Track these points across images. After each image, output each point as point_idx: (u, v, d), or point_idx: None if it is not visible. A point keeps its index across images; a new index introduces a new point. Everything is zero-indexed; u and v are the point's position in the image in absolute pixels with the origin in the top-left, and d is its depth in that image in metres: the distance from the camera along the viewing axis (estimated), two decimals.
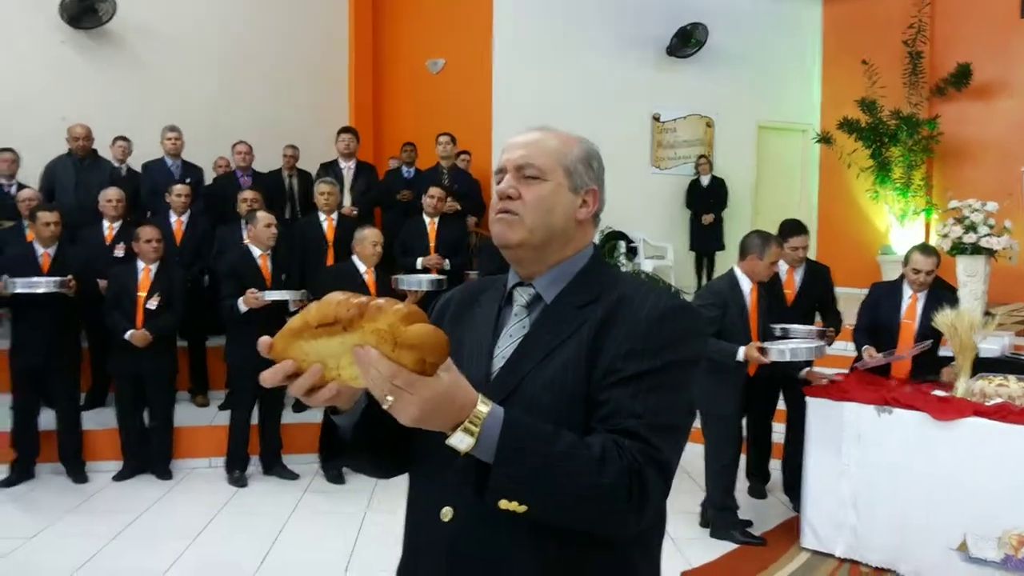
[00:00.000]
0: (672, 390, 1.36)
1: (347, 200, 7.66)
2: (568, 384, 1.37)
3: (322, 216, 6.79)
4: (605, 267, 1.53)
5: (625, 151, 9.91)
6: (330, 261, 6.63)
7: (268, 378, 1.20)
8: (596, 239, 1.59)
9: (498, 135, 9.63)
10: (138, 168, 7.79)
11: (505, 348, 1.46)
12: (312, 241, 6.71)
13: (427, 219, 6.99)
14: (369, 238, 5.77)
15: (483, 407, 1.22)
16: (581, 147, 1.52)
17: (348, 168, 7.83)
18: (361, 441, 1.42)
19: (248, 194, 6.79)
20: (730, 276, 4.81)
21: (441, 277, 6.04)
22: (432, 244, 6.92)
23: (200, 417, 6.60)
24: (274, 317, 5.72)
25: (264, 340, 1.20)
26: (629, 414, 1.32)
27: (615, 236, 9.33)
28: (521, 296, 1.51)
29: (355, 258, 5.81)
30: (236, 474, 5.85)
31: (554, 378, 1.38)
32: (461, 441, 1.22)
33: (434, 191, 7.00)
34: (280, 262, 5.95)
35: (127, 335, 5.73)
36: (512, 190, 1.46)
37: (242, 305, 5.59)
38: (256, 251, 5.84)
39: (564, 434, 1.27)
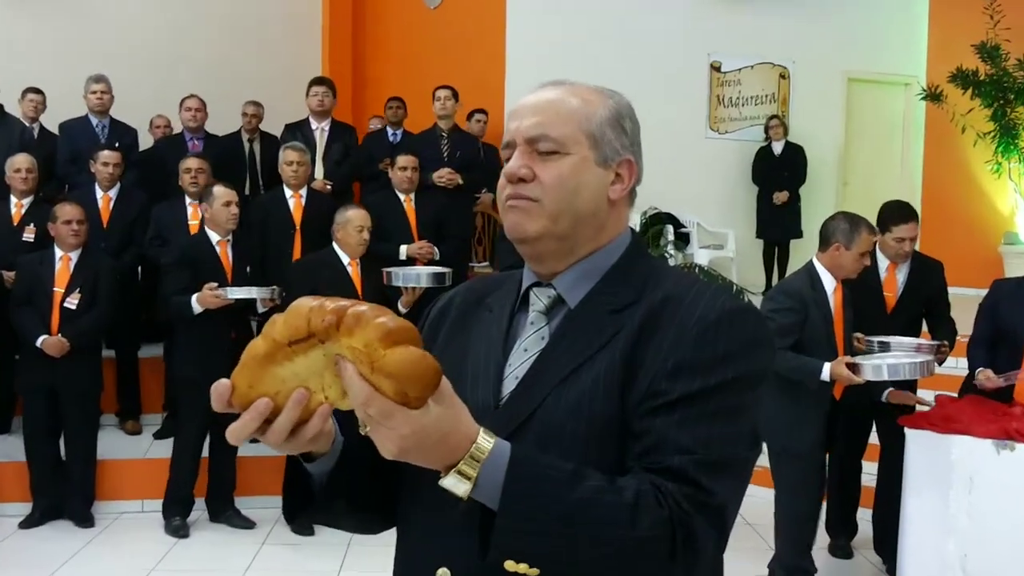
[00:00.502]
0: (730, 416, 1.36)
1: (319, 171, 7.72)
2: (598, 410, 1.38)
3: (288, 192, 6.84)
4: (646, 259, 1.55)
5: (675, 111, 9.90)
6: (296, 249, 6.68)
7: (238, 433, 1.21)
8: (635, 223, 1.57)
9: (513, 89, 9.65)
10: (54, 129, 7.85)
11: (519, 365, 1.48)
12: (275, 224, 6.75)
13: (400, 196, 7.04)
14: (354, 221, 5.80)
15: (485, 442, 1.24)
16: (608, 104, 1.53)
17: (321, 130, 7.90)
18: (339, 489, 1.44)
19: (192, 163, 6.87)
20: (808, 271, 4.77)
21: (445, 270, 6.06)
22: (413, 227, 6.97)
23: (131, 448, 6.65)
24: (236, 319, 5.75)
25: (221, 385, 1.21)
26: (675, 449, 1.33)
27: (661, 219, 9.33)
28: (539, 299, 1.53)
29: (336, 247, 5.85)
30: (176, 521, 5.88)
31: (580, 402, 1.39)
32: (455, 486, 1.23)
33: (404, 160, 7.06)
34: (242, 250, 6.00)
35: (39, 342, 5.78)
36: (524, 170, 1.47)
37: (197, 304, 5.64)
38: (214, 236, 5.88)
39: (588, 475, 1.28)
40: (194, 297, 5.61)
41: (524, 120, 1.50)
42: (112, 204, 6.96)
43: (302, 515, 1.48)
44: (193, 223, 6.67)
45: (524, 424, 1.40)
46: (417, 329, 1.19)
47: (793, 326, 4.58)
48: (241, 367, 1.20)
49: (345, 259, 5.82)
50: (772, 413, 4.56)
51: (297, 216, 6.79)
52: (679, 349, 1.37)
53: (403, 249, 6.81)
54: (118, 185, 7.00)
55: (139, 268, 7.16)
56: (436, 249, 6.86)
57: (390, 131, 8.84)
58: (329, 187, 7.56)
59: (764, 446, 4.71)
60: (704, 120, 10.42)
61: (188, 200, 6.80)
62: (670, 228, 9.31)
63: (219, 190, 5.91)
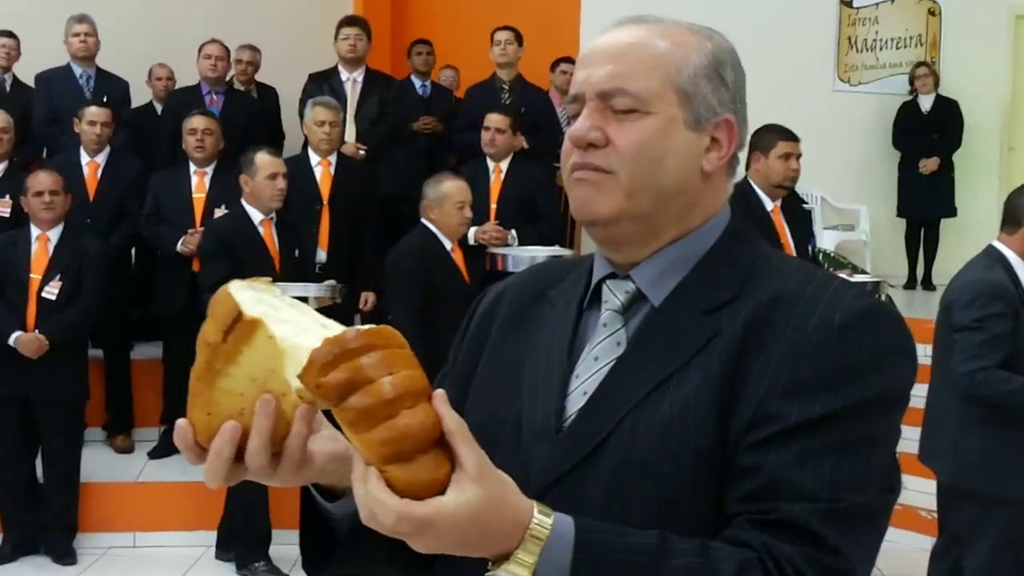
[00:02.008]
0: (862, 450, 1.34)
1: (350, 133, 7.78)
2: (690, 438, 1.36)
3: (314, 158, 6.94)
4: (750, 245, 1.54)
5: (793, 56, 9.83)
6: (323, 228, 6.80)
7: (213, 474, 1.23)
8: (732, 184, 1.57)
9: (589, 29, 9.65)
10: (29, 81, 8.00)
11: (588, 378, 1.48)
12: (297, 197, 6.80)
13: (490, 163, 7.12)
14: (452, 196, 5.87)
15: (542, 520, 1.23)
16: (705, 49, 1.51)
17: (353, 81, 7.97)
18: (371, 540, 1.43)
19: (198, 122, 7.00)
20: (998, 260, 4.65)
21: (563, 252, 6.10)
22: (493, 204, 7.02)
23: (121, 468, 6.77)
24: None
25: (179, 428, 1.23)
26: (792, 494, 1.30)
27: None
28: (614, 294, 1.52)
29: (430, 227, 5.91)
30: (261, 568, 5.80)
31: (667, 428, 1.38)
32: None
33: (493, 119, 7.13)
34: (290, 232, 6.11)
35: (11, 340, 5.90)
36: (595, 134, 1.46)
37: None
38: (255, 215, 6.02)
39: (674, 548, 1.27)
40: None
41: (596, 68, 1.48)
42: (100, 172, 7.10)
43: (329, 568, 1.47)
44: (198, 196, 6.83)
45: (593, 455, 1.40)
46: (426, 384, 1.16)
47: (1006, 336, 4.42)
48: (191, 398, 1.21)
49: (447, 243, 5.91)
50: (979, 449, 4.49)
51: (325, 188, 6.90)
52: (794, 363, 1.35)
53: (472, 232, 6.83)
54: (107, 149, 7.14)
55: (133, 251, 7.30)
56: (513, 234, 6.91)
57: (417, 82, 8.88)
58: (363, 152, 7.64)
59: (965, 490, 4.60)
60: (831, 68, 10.32)
61: (192, 168, 6.94)
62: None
63: (263, 159, 6.02)
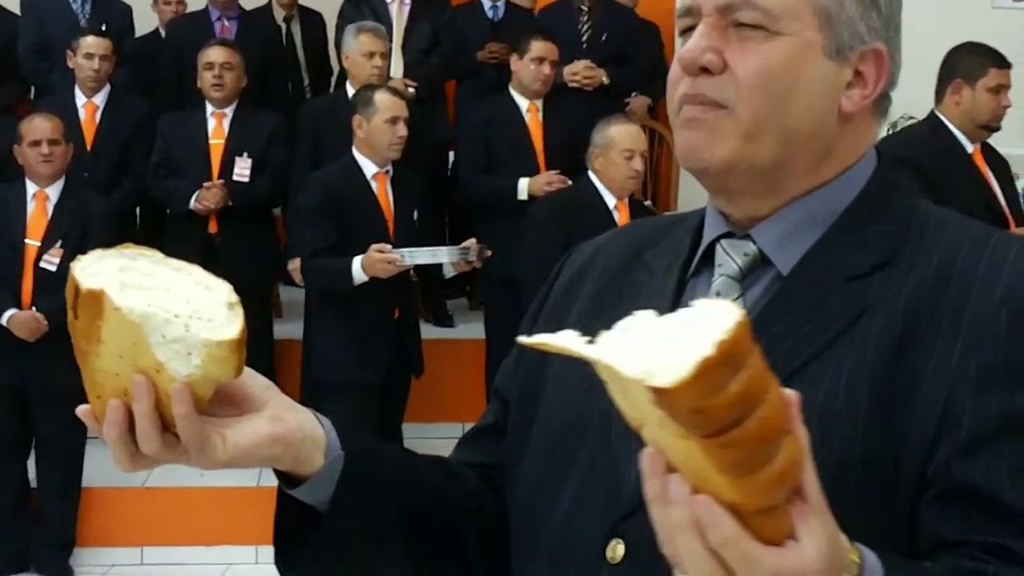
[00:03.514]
0: None
1: (396, 66, 7.87)
2: (842, 439, 1.35)
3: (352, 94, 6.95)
4: (902, 199, 1.55)
5: None
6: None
7: (118, 459, 1.34)
8: (882, 127, 1.60)
9: None
10: (13, 7, 8.15)
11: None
12: (334, 143, 6.94)
13: (522, 103, 7.22)
14: (619, 143, 6.05)
15: (854, 556, 1.17)
16: None
17: (399, 3, 8.03)
18: (358, 534, 1.53)
19: (216, 53, 7.14)
20: None
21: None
22: (539, 150, 7.14)
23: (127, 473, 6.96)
24: (398, 290, 6.02)
25: (81, 411, 1.37)
26: (1004, 514, 1.28)
27: None
28: (730, 257, 1.54)
29: (593, 179, 6.11)
30: None
31: (807, 426, 1.28)
32: None
33: (541, 47, 7.17)
34: (408, 186, 6.21)
35: (5, 319, 6.03)
36: (710, 56, 1.46)
37: (361, 272, 5.85)
38: (368, 167, 6.15)
39: None
40: (357, 261, 5.83)
41: None
42: (99, 115, 7.28)
43: (303, 562, 1.53)
44: (216, 143, 7.05)
45: None
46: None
47: None
48: (84, 384, 1.34)
49: (610, 199, 6.09)
50: None
51: None
52: (982, 349, 1.34)
53: (523, 184, 6.95)
54: (107, 87, 7.32)
55: (138, 210, 7.54)
56: (568, 181, 6.96)
57: (486, 2, 8.83)
58: (412, 89, 7.69)
59: None
60: None
61: (209, 109, 7.13)
62: None
63: (383, 99, 6.15)
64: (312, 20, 8.65)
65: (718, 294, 1.50)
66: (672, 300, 1.53)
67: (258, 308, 7.35)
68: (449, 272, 6.20)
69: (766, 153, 1.45)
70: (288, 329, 7.92)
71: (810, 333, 1.40)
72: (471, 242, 6.08)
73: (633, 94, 8.81)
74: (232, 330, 1.29)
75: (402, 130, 6.14)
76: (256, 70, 7.50)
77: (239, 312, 1.31)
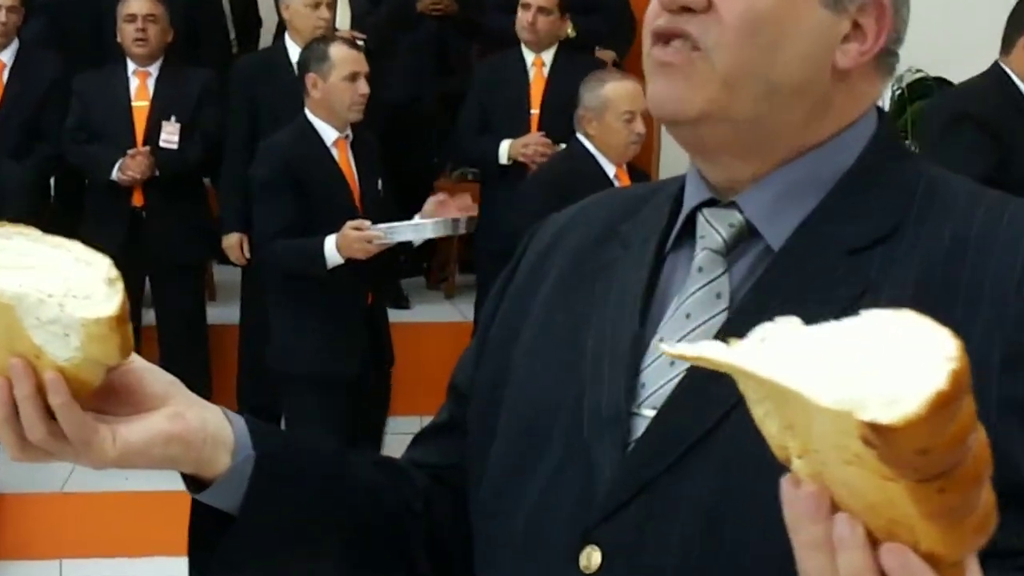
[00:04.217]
0: None
1: (343, 16, 7.89)
2: None
3: (294, 50, 6.99)
4: (906, 162, 1.55)
5: None
6: None
7: (7, 449, 1.37)
8: (886, 99, 1.61)
9: None
10: None
11: (676, 343, 1.39)
12: (274, 102, 6.97)
13: (528, 55, 7.24)
14: (618, 104, 6.02)
15: None
16: None
17: None
18: (279, 537, 1.56)
19: (137, 5, 7.07)
20: None
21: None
22: (535, 108, 7.17)
23: (43, 475, 6.84)
24: (373, 272, 5.91)
25: None
26: None
27: (929, 90, 9.29)
28: (713, 227, 1.53)
29: (585, 143, 6.11)
30: None
31: None
32: None
33: None
34: (369, 153, 6.13)
35: None
36: None
37: (336, 253, 5.69)
38: (328, 132, 6.02)
39: None
40: (331, 241, 5.70)
41: None
42: (6, 74, 7.25)
43: (213, 568, 1.56)
44: (139, 104, 7.02)
45: (689, 456, 1.40)
46: None
47: None
48: None
49: (608, 167, 6.08)
50: None
51: None
52: (1004, 325, 1.34)
53: (504, 147, 6.99)
54: (15, 43, 7.28)
55: (53, 180, 7.53)
56: (562, 147, 6.97)
57: None
58: (360, 42, 7.53)
59: None
60: None
61: (132, 67, 7.11)
62: None
63: (340, 52, 6.03)
64: None
65: (700, 269, 1.50)
66: (649, 276, 1.54)
67: (190, 290, 7.42)
68: (418, 241, 6.14)
69: (746, 104, 1.45)
70: (223, 313, 7.91)
71: (806, 317, 1.30)
72: (465, 215, 6.02)
73: (597, 48, 8.79)
74: (111, 306, 1.30)
75: (363, 87, 5.99)
76: (182, 22, 7.46)
77: (119, 287, 1.32)
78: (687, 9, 1.43)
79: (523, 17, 7.20)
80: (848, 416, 0.94)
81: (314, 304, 5.87)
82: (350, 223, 5.68)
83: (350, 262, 5.68)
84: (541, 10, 7.18)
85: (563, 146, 6.96)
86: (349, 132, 6.03)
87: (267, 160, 6.02)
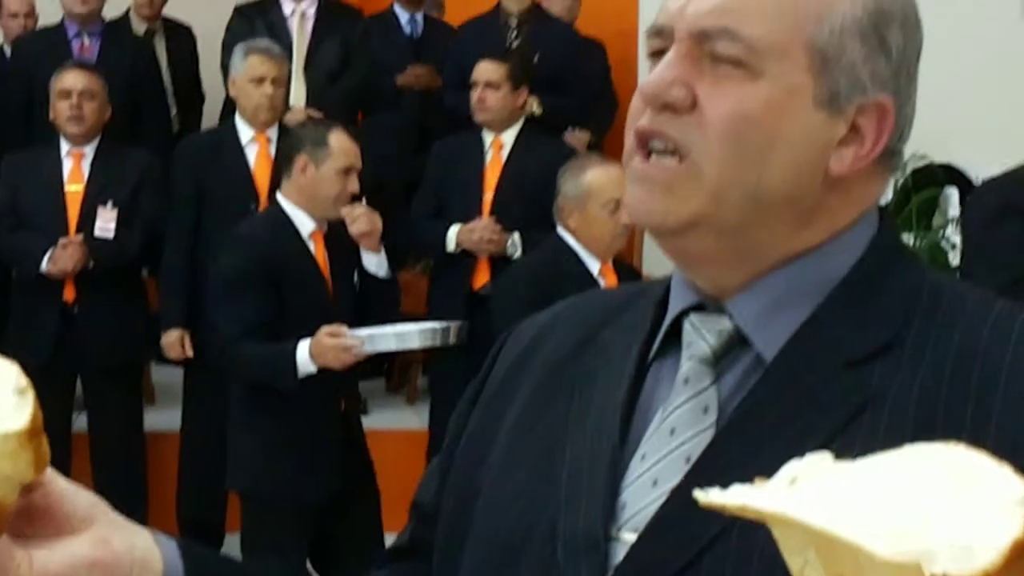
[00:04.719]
0: None
1: (296, 92, 7.88)
2: None
3: (246, 132, 7.03)
4: (907, 267, 1.54)
5: None
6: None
7: None
8: (888, 188, 1.58)
9: None
10: None
11: (660, 461, 1.48)
12: (222, 186, 6.97)
13: (487, 135, 7.22)
14: (600, 193, 5.91)
15: None
16: None
17: (300, 16, 8.07)
18: None
19: (73, 79, 7.05)
20: None
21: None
22: (488, 193, 7.17)
23: None
24: (345, 379, 5.78)
25: None
26: None
27: (935, 178, 9.28)
28: (701, 335, 1.53)
29: (566, 237, 6.01)
30: None
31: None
32: None
33: (482, 69, 7.22)
34: (343, 249, 6.02)
35: None
36: (679, 90, 1.45)
37: (310, 361, 5.57)
38: (305, 223, 5.90)
39: None
40: (304, 347, 5.56)
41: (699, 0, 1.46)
42: None
43: None
44: (73, 189, 6.96)
45: None
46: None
47: None
48: None
49: (592, 264, 5.99)
50: None
51: (262, 177, 6.99)
52: (1018, 444, 1.30)
53: (452, 233, 6.96)
54: None
55: None
56: (515, 239, 7.00)
57: (402, 14, 8.93)
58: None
59: None
60: None
61: (65, 148, 7.06)
62: (954, 194, 9.20)
63: (340, 141, 5.91)
64: (180, 35, 8.70)
65: (686, 381, 1.50)
66: (630, 388, 1.54)
67: (126, 392, 7.32)
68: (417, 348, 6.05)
69: (733, 213, 1.45)
70: (162, 418, 7.87)
71: (801, 433, 1.38)
72: (454, 321, 5.93)
73: (570, 128, 8.84)
74: (21, 419, 1.23)
75: (354, 184, 5.88)
76: (121, 98, 7.43)
77: (30, 397, 1.25)
78: (670, 107, 1.44)
79: (472, 96, 7.21)
80: (915, 569, 0.91)
81: (282, 414, 5.72)
82: (326, 329, 5.53)
83: (323, 371, 5.55)
84: (489, 85, 7.18)
85: (516, 234, 7.02)
86: (325, 224, 5.92)
87: (238, 252, 5.87)
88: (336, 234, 5.95)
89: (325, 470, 5.68)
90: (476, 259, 7.02)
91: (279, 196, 5.98)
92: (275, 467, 5.71)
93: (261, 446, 5.76)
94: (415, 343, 5.82)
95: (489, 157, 7.22)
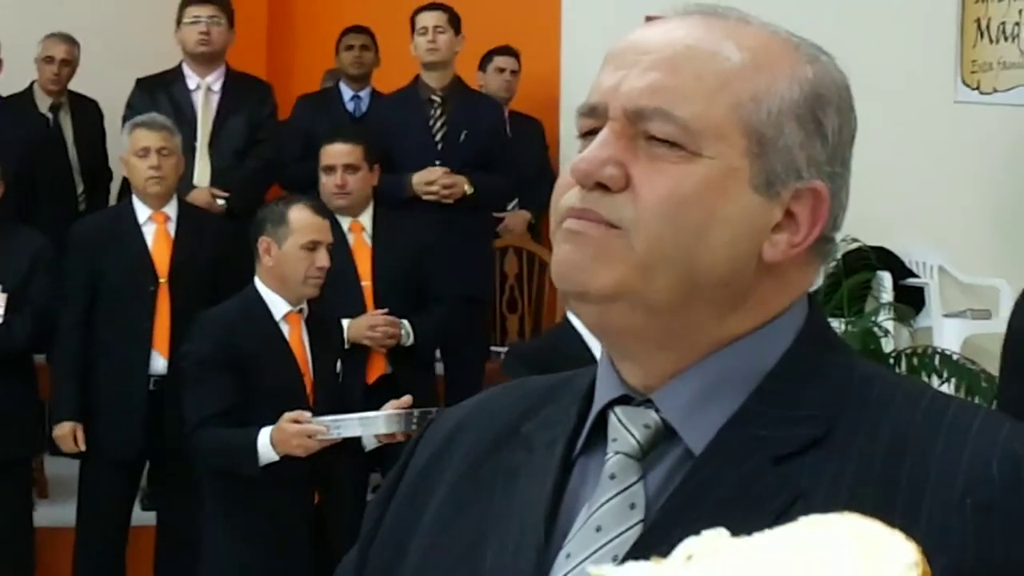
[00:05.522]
0: None
1: (201, 170, 7.87)
2: None
3: (143, 210, 6.95)
4: (837, 355, 1.58)
5: (897, 54, 9.87)
6: (160, 315, 6.82)
7: None
8: (819, 275, 1.63)
9: (577, 18, 9.80)
10: None
11: (585, 560, 1.46)
12: (119, 269, 6.88)
13: (343, 220, 7.14)
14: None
15: None
16: (801, 76, 1.53)
17: (207, 90, 8.09)
18: None
19: None
20: None
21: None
22: (366, 282, 7.16)
23: None
24: (319, 468, 5.70)
25: None
26: None
27: (867, 261, 9.27)
28: (627, 429, 1.53)
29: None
30: None
31: None
32: None
33: (334, 151, 7.20)
34: (325, 334, 6.02)
35: None
36: (612, 170, 1.47)
37: (271, 449, 5.48)
38: (278, 305, 5.86)
39: None
40: (266, 434, 5.49)
41: (633, 74, 1.49)
42: None
43: None
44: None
45: None
46: None
47: None
48: None
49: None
50: None
51: (161, 259, 6.91)
52: (947, 541, 1.34)
53: (344, 326, 6.90)
54: None
55: None
56: (406, 327, 7.03)
57: (346, 91, 9.00)
58: (222, 201, 7.72)
59: None
60: (952, 69, 10.35)
61: None
62: (887, 277, 9.30)
63: (300, 216, 5.90)
64: (86, 109, 8.65)
65: (612, 476, 1.50)
66: (554, 485, 1.54)
67: (15, 487, 7.19)
68: (372, 444, 5.83)
69: (661, 291, 1.47)
70: (56, 512, 7.84)
71: (729, 529, 1.31)
72: (423, 409, 5.74)
73: (511, 207, 9.04)
74: None
75: (323, 259, 5.86)
76: (18, 173, 7.33)
77: None
78: (602, 186, 1.46)
79: (328, 182, 7.17)
80: None
81: (245, 506, 5.70)
82: (287, 415, 5.45)
83: (287, 459, 5.45)
84: (348, 168, 7.19)
85: (407, 325, 7.07)
86: (304, 307, 5.93)
87: (205, 335, 5.88)
88: (319, 318, 6.03)
89: (291, 568, 5.67)
90: (369, 352, 7.03)
91: (255, 279, 5.98)
92: (236, 564, 5.69)
93: (223, 542, 5.75)
94: (381, 429, 5.64)
95: (352, 242, 7.23)
